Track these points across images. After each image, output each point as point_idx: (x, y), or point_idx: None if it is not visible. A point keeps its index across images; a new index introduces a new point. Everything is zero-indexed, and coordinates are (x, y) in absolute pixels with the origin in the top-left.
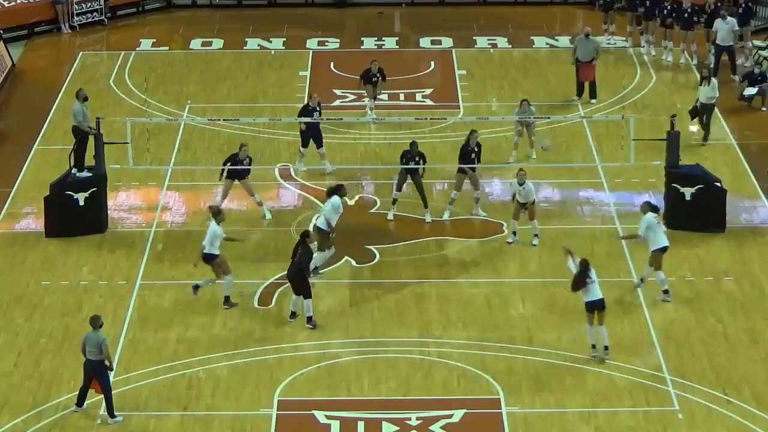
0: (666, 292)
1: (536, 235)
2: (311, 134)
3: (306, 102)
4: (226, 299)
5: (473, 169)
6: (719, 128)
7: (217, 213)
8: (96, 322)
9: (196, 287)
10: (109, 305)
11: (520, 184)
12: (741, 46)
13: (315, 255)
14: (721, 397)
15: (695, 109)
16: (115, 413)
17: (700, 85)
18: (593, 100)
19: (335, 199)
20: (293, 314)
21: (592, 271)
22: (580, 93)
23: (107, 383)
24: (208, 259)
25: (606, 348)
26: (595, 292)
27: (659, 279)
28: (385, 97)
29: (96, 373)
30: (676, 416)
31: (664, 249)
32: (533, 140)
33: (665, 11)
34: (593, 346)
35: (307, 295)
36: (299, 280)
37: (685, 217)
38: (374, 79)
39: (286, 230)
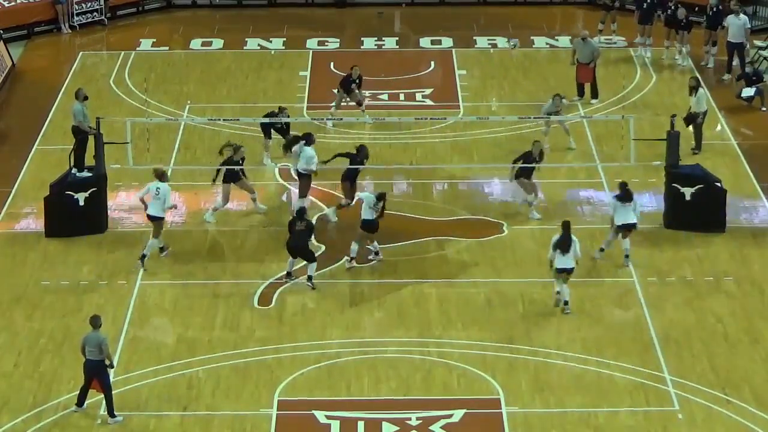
0: (627, 257)
1: (376, 253)
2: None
3: (276, 111)
4: (143, 257)
5: (529, 175)
6: (719, 128)
7: (161, 175)
8: (96, 322)
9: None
10: (109, 305)
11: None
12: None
13: (297, 201)
14: (721, 397)
15: (690, 117)
16: (115, 413)
17: (689, 95)
18: (594, 100)
19: (308, 149)
20: (289, 275)
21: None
22: (581, 93)
23: (108, 383)
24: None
25: (566, 303)
26: (568, 260)
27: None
28: (385, 96)
29: (96, 373)
30: (676, 416)
31: (625, 226)
32: (567, 131)
33: (669, 11)
34: (566, 302)
35: (312, 260)
36: (302, 250)
37: (685, 217)
38: (353, 85)
39: (285, 230)
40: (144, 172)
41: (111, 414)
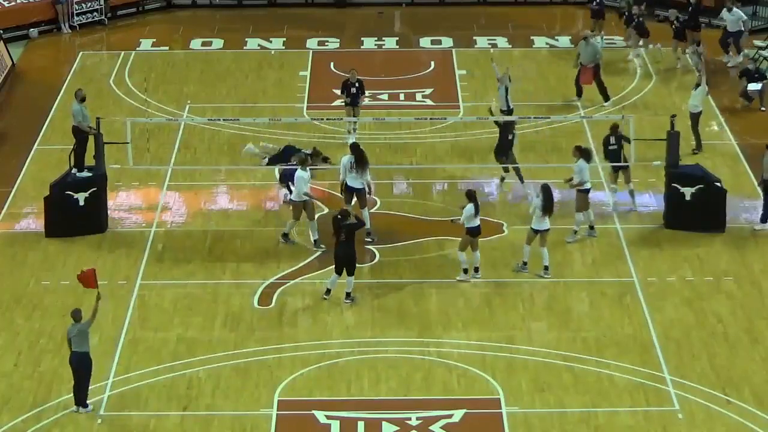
0: (575, 233)
1: (476, 269)
2: None
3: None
4: (316, 242)
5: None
6: (719, 128)
7: (303, 160)
8: (78, 315)
9: (285, 235)
10: (109, 305)
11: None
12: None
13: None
14: (721, 397)
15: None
16: (87, 403)
17: (693, 90)
18: (606, 103)
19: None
20: (328, 291)
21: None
22: (579, 94)
23: (88, 374)
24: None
25: (546, 268)
26: (546, 222)
27: (577, 220)
28: (385, 96)
29: (80, 365)
30: (676, 416)
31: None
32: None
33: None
34: (525, 263)
35: (352, 272)
36: (350, 259)
37: (685, 217)
38: (353, 90)
39: (282, 229)
40: (144, 172)
41: (83, 403)
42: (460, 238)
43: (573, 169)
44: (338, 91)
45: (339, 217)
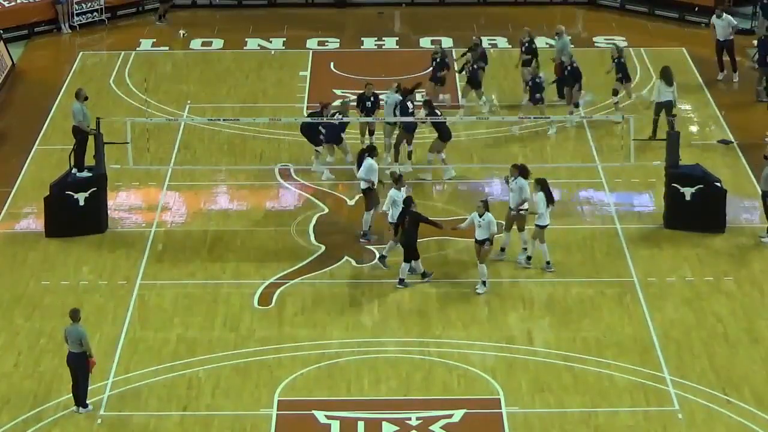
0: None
1: (483, 283)
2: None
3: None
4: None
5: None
6: (719, 128)
7: (397, 179)
8: (76, 315)
9: (382, 258)
10: (109, 305)
11: (480, 216)
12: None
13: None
14: (721, 397)
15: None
16: (87, 403)
17: (669, 85)
18: (558, 100)
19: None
20: (402, 281)
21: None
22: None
23: (86, 374)
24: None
25: (548, 263)
26: (547, 217)
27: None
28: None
29: (78, 364)
30: (676, 416)
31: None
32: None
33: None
34: (548, 262)
35: (417, 256)
36: (408, 247)
37: (685, 217)
38: (368, 103)
39: (286, 230)
40: (144, 172)
41: (83, 404)
42: (459, 239)
43: (574, 168)
44: (338, 91)
45: (404, 205)
